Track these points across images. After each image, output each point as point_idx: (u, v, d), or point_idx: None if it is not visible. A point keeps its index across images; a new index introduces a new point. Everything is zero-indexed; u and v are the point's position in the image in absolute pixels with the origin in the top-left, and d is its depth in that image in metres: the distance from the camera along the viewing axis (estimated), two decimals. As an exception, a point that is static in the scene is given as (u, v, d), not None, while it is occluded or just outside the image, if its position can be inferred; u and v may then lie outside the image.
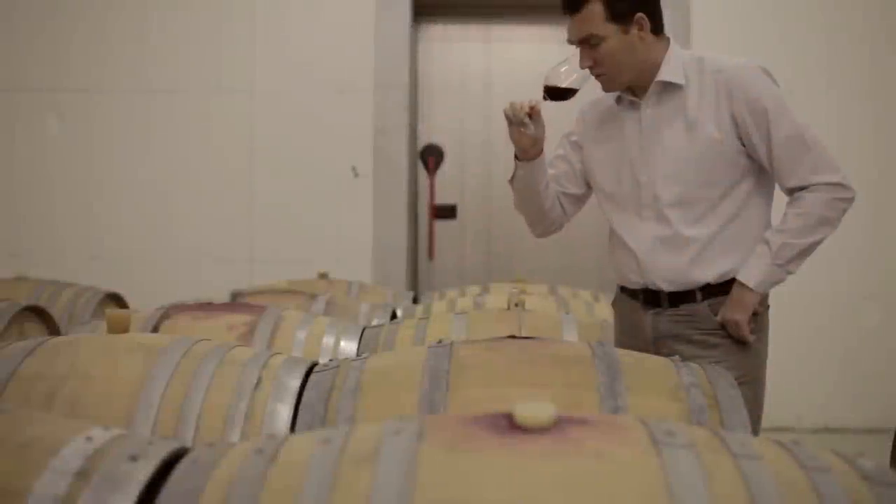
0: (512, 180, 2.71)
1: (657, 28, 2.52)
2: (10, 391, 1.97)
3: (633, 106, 2.58)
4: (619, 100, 2.61)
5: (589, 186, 2.75)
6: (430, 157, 6.00)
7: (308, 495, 1.15)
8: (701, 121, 2.48)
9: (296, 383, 2.04)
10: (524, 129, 2.56)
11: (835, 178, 2.44)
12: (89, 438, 1.30)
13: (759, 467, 1.24)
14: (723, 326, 2.51)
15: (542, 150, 2.64)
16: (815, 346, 5.47)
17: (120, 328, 2.20)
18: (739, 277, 2.49)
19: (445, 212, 6.02)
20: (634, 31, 2.48)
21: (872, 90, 5.55)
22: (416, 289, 5.82)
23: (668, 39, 2.55)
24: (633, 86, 2.57)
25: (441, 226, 6.04)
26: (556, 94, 2.56)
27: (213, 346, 2.12)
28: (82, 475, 1.23)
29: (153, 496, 1.27)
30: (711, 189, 2.50)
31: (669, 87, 2.52)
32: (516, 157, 2.66)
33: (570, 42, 2.53)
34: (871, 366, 5.55)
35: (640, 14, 2.47)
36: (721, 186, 2.50)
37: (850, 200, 2.46)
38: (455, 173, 6.02)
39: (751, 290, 2.47)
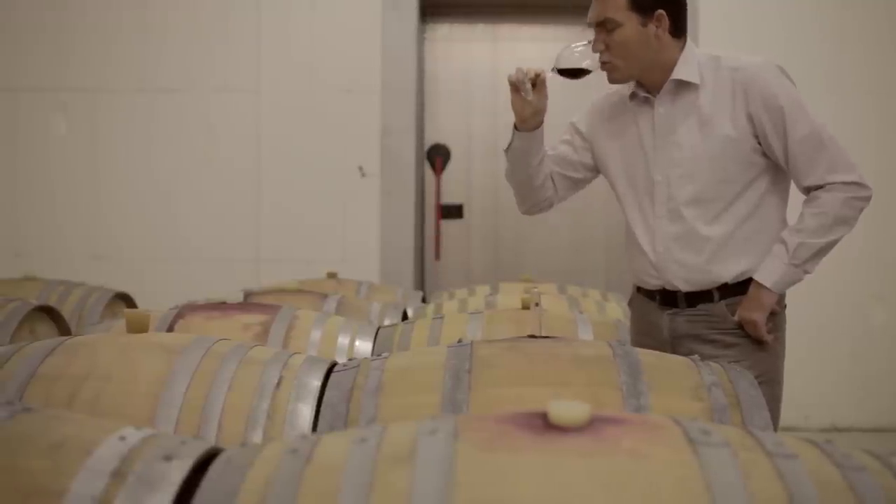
0: (508, 150, 2.70)
1: (678, 30, 2.51)
2: (30, 391, 1.96)
3: (647, 103, 2.58)
4: (632, 96, 2.61)
5: (589, 171, 2.74)
6: (437, 156, 6.00)
7: (347, 495, 1.14)
8: (716, 119, 2.48)
9: (317, 383, 2.03)
10: (525, 96, 2.55)
11: (851, 177, 2.44)
12: (122, 438, 1.30)
13: (796, 466, 1.23)
14: (740, 326, 2.51)
15: (541, 122, 2.64)
16: (823, 345, 5.47)
17: (139, 328, 2.20)
18: (756, 277, 2.49)
19: (452, 211, 6.01)
20: (653, 26, 2.48)
21: (878, 90, 5.55)
22: (423, 289, 5.81)
23: (685, 41, 2.55)
24: (646, 83, 2.56)
25: (447, 225, 6.03)
26: (568, 73, 2.56)
27: (233, 346, 2.12)
28: (118, 475, 1.22)
29: (185, 496, 1.27)
30: (727, 187, 2.50)
31: (684, 86, 2.52)
32: (515, 126, 2.65)
33: (589, 24, 2.52)
34: (878, 365, 5.55)
35: (661, 11, 2.47)
36: (736, 185, 2.50)
37: (867, 199, 2.46)
38: (462, 173, 6.02)
39: (768, 289, 2.47)
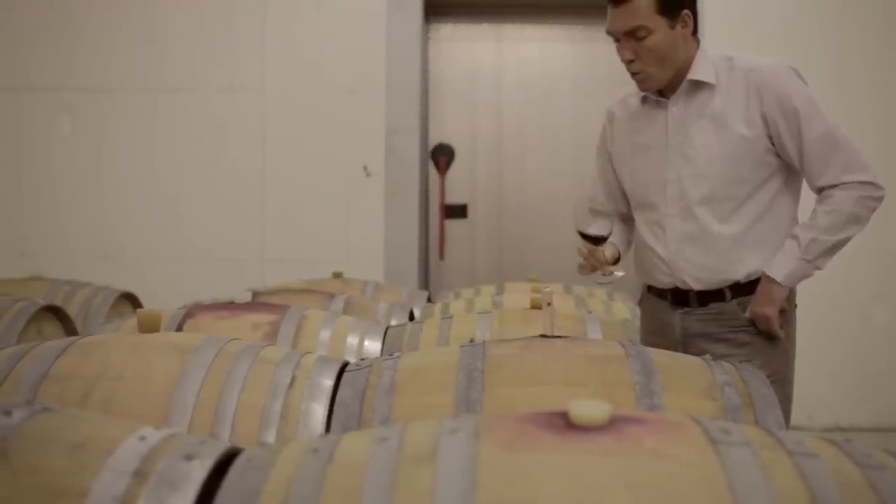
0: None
1: (695, 28, 2.51)
2: (43, 391, 1.96)
3: (660, 105, 2.57)
4: (644, 99, 2.60)
5: None
6: (441, 156, 6.00)
7: (370, 495, 1.14)
8: (729, 119, 2.48)
9: (329, 382, 2.04)
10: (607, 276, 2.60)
11: (866, 177, 2.45)
12: (142, 438, 1.30)
13: (817, 465, 1.23)
14: (752, 323, 2.51)
15: (619, 254, 2.69)
16: (826, 345, 5.47)
17: (151, 328, 2.20)
18: (767, 271, 2.49)
19: (456, 211, 6.02)
20: (679, 27, 2.46)
21: (881, 90, 5.56)
22: (427, 288, 5.82)
23: (699, 40, 2.55)
24: (662, 85, 2.56)
25: (451, 225, 6.03)
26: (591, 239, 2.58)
27: (245, 346, 2.12)
28: (140, 475, 1.22)
29: (207, 496, 1.27)
30: (739, 187, 2.50)
31: (698, 86, 2.52)
32: None
33: (612, 34, 2.48)
34: (881, 365, 5.55)
35: (686, 11, 2.47)
36: (749, 185, 2.50)
37: (881, 199, 2.47)
38: (466, 173, 6.03)
39: (779, 284, 2.47)
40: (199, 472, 1.25)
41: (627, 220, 2.76)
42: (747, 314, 2.51)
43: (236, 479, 1.23)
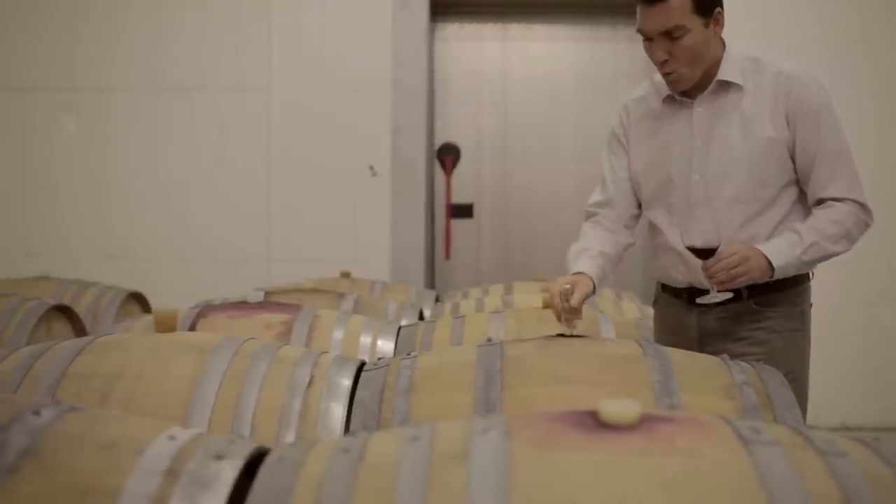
0: None
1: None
2: (62, 390, 1.96)
3: (684, 105, 2.55)
4: (665, 98, 2.57)
5: None
6: (447, 156, 6.00)
7: (404, 494, 1.14)
8: (757, 120, 2.47)
9: (348, 382, 2.04)
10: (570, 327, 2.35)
11: (865, 201, 2.47)
12: (172, 437, 1.30)
13: (848, 464, 1.23)
14: (769, 322, 2.48)
15: (593, 285, 2.51)
16: (831, 344, 5.45)
17: (167, 327, 2.20)
18: (768, 254, 2.39)
19: (462, 211, 6.01)
20: (712, 26, 2.45)
21: (884, 89, 5.56)
22: (433, 288, 5.81)
23: (723, 39, 2.53)
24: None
25: (457, 225, 6.03)
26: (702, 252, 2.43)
27: (263, 345, 2.12)
28: (171, 474, 1.22)
29: (237, 495, 1.27)
30: (763, 190, 2.48)
31: (726, 87, 2.50)
32: None
33: (645, 33, 2.43)
34: (886, 364, 5.55)
35: (719, 9, 2.45)
36: (773, 187, 2.48)
37: (868, 227, 2.49)
38: (471, 172, 6.02)
39: (772, 269, 2.41)
40: (229, 471, 1.25)
41: (628, 226, 2.69)
42: (727, 256, 2.38)
43: (267, 478, 1.23)
